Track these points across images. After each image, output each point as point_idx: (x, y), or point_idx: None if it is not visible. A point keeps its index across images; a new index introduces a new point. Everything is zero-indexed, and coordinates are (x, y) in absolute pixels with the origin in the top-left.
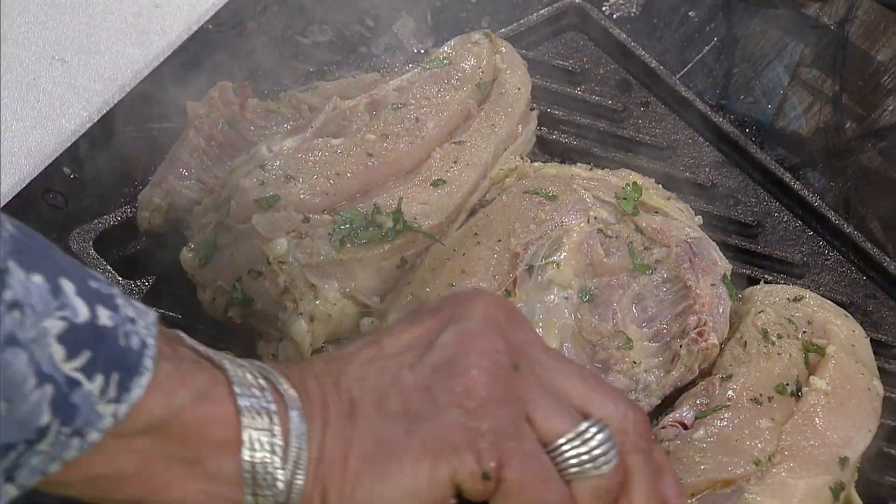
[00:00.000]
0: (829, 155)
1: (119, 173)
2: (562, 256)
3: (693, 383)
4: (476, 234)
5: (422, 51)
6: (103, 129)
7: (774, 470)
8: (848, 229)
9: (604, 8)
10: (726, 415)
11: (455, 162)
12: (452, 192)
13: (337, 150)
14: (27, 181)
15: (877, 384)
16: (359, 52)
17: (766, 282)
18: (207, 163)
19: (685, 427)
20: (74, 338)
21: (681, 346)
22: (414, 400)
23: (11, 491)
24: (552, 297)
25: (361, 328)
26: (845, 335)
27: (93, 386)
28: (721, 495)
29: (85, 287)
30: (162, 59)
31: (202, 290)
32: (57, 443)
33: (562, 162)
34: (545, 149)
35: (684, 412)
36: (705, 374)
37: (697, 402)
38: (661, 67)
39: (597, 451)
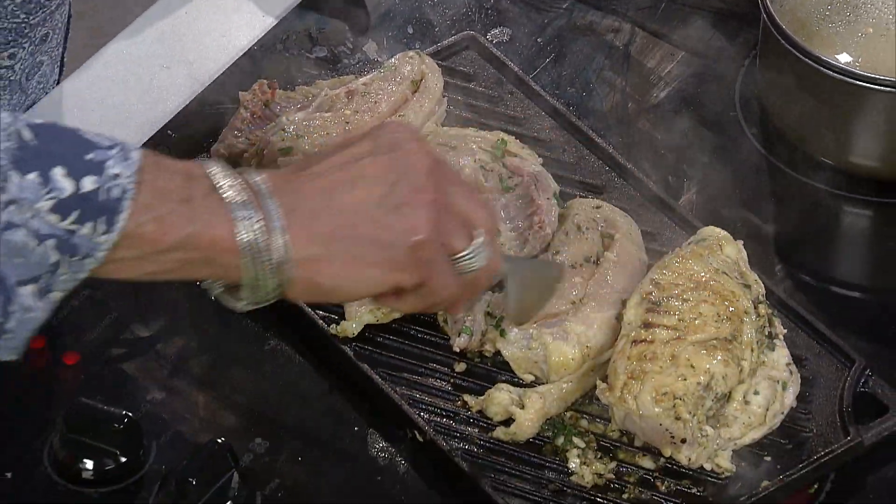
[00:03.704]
0: (619, 123)
1: (201, 134)
2: None
3: (535, 258)
4: None
5: (380, 62)
6: (194, 107)
7: (583, 307)
8: (629, 166)
9: (488, 36)
10: None
11: None
12: None
13: (327, 121)
14: (150, 136)
15: (644, 257)
16: (343, 63)
17: (579, 197)
18: (252, 128)
19: None
20: (64, 206)
21: (529, 235)
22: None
23: (57, 296)
24: None
25: None
26: (626, 227)
27: (86, 230)
28: (551, 322)
29: (77, 164)
30: (229, 66)
31: None
32: (73, 265)
33: (461, 127)
34: (450, 120)
35: None
36: (543, 251)
37: None
38: (521, 71)
39: (481, 257)
